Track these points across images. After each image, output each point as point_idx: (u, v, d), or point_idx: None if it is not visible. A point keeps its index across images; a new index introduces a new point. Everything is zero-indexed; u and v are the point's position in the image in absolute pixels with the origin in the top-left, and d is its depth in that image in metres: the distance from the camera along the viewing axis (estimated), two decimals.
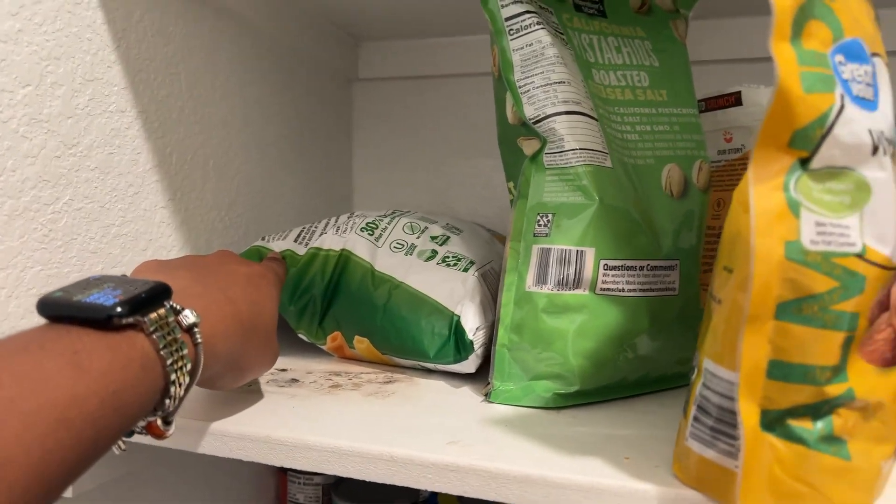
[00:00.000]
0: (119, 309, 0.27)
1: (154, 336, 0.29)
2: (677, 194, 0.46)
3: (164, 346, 0.29)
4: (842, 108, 0.26)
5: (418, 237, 0.52)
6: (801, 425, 0.26)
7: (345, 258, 0.52)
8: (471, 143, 0.77)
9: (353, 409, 0.40)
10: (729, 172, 0.60)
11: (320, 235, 0.54)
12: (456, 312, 0.47)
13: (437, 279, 0.49)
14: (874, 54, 0.29)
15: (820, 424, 0.26)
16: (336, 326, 0.51)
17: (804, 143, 0.26)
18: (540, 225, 0.42)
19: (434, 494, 0.60)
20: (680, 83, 0.49)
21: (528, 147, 0.44)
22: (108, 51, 0.45)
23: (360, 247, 0.52)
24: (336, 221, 0.55)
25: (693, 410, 0.29)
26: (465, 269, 0.49)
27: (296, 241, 0.54)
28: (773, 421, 0.27)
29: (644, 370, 0.44)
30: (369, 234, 0.52)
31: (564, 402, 0.42)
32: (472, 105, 0.77)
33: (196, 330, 0.31)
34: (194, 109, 0.53)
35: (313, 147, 0.73)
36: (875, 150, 0.26)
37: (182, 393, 0.31)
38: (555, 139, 0.42)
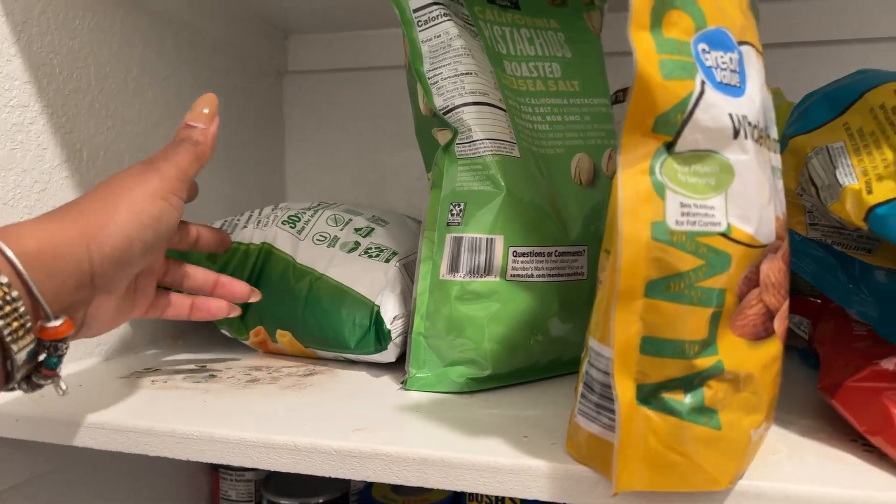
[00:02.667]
0: None
1: None
2: (586, 182, 0.47)
3: None
4: (702, 93, 0.26)
5: (342, 229, 0.53)
6: (674, 398, 0.28)
7: (266, 251, 0.51)
8: (404, 135, 0.77)
9: (267, 402, 0.40)
10: None
11: (242, 228, 0.53)
12: (376, 303, 0.47)
13: (358, 270, 0.49)
14: (742, 43, 0.30)
15: (691, 396, 0.28)
16: (258, 321, 0.51)
17: (667, 128, 0.26)
18: (453, 214, 0.43)
19: (369, 485, 0.60)
20: (592, 74, 0.51)
21: (442, 137, 0.44)
22: (6, 44, 0.43)
23: (282, 239, 0.52)
24: (259, 214, 0.55)
25: (581, 388, 0.31)
26: (387, 260, 0.50)
27: None
28: (648, 394, 0.28)
29: (556, 353, 0.45)
30: (291, 226, 0.52)
31: (478, 387, 0.43)
32: (404, 96, 0.77)
33: None
34: (106, 104, 0.52)
35: (243, 141, 0.73)
36: (736, 133, 0.27)
37: (17, 311, 0.29)
38: (464, 129, 0.43)
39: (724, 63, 0.28)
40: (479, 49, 0.45)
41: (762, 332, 0.30)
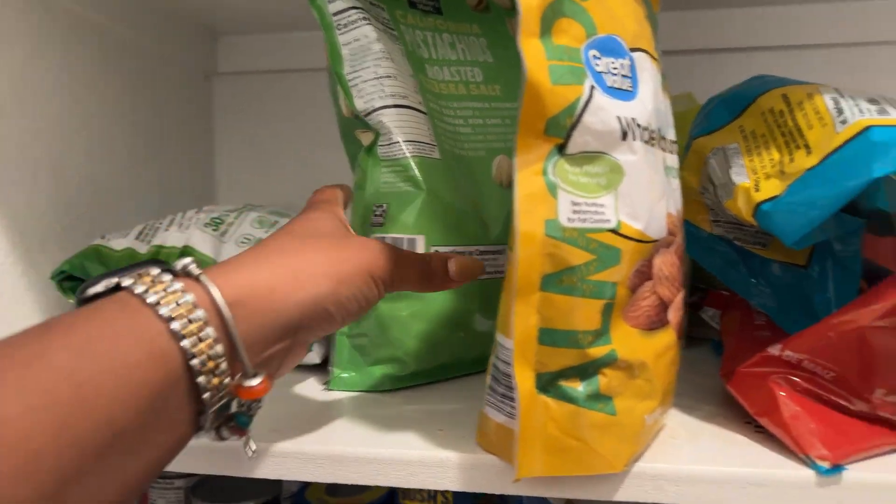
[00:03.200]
0: (91, 281, 0.24)
1: (136, 288, 0.24)
2: (507, 184, 0.49)
3: (147, 290, 0.24)
4: (590, 98, 0.28)
5: (267, 231, 0.52)
6: (571, 386, 0.29)
7: (187, 255, 0.51)
8: (335, 136, 0.76)
9: None
10: None
11: (163, 232, 0.53)
12: None
13: None
14: (636, 49, 0.31)
15: (587, 384, 0.29)
16: None
17: (557, 131, 0.28)
18: (376, 215, 0.44)
19: (303, 488, 0.60)
20: (514, 78, 0.52)
21: (365, 139, 0.45)
22: None
23: (203, 243, 0.51)
24: (182, 217, 0.54)
25: (489, 380, 0.32)
26: None
27: (137, 238, 0.52)
28: (547, 383, 0.29)
29: (480, 348, 0.46)
30: (213, 229, 0.52)
31: (402, 384, 0.43)
32: None
33: (192, 267, 0.26)
34: (19, 107, 0.50)
35: (172, 143, 0.71)
36: (625, 135, 0.29)
37: (219, 352, 0.25)
38: (385, 132, 0.44)
39: (615, 68, 0.30)
40: (400, 53, 0.46)
41: (656, 323, 0.32)
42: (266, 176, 0.79)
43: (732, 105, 0.42)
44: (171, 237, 0.52)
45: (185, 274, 0.26)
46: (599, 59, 0.29)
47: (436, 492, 0.59)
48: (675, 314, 0.33)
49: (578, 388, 0.29)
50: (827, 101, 0.35)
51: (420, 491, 0.57)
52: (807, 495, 0.30)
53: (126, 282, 0.25)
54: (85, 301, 0.25)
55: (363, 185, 0.45)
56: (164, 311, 0.23)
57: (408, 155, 0.43)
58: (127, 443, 0.22)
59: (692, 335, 0.59)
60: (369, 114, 0.44)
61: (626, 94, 0.30)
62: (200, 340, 0.24)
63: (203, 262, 0.50)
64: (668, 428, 0.36)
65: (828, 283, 0.39)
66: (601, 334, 0.29)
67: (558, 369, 0.29)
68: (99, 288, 0.25)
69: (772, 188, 0.35)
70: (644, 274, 0.31)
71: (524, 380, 0.29)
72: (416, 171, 0.43)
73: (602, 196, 0.28)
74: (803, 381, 0.34)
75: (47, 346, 0.21)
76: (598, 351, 0.29)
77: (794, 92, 0.38)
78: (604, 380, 0.29)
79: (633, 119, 0.29)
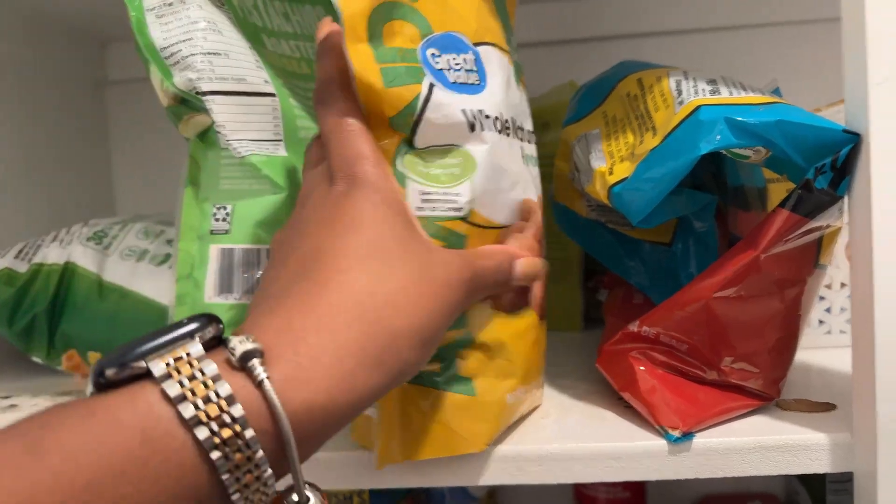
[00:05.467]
0: (106, 360, 0.18)
1: (166, 386, 0.18)
2: None
3: (184, 398, 0.18)
4: (429, 95, 0.28)
5: (152, 242, 0.51)
6: (431, 370, 0.30)
7: (70, 271, 0.49)
8: None
9: None
10: None
11: (45, 249, 0.51)
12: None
13: (166, 283, 0.48)
14: (481, 43, 0.32)
15: (446, 367, 0.30)
16: (69, 344, 0.49)
17: (402, 128, 0.28)
18: (217, 220, 0.36)
19: None
20: None
21: (195, 125, 0.37)
22: None
23: (86, 257, 0.49)
24: (67, 232, 0.52)
25: None
26: None
27: (17, 257, 0.50)
28: None
29: None
30: (96, 242, 0.50)
31: None
32: None
33: (254, 362, 0.19)
34: None
35: (63, 156, 0.69)
36: (472, 127, 0.29)
37: (265, 470, 0.19)
38: (218, 125, 0.36)
39: (457, 64, 0.30)
40: (229, 23, 0.38)
41: (517, 306, 0.32)
42: (166, 184, 0.76)
43: (598, 91, 0.43)
44: (52, 254, 0.50)
45: (240, 366, 0.19)
46: (439, 56, 0.29)
47: (352, 493, 0.59)
48: (535, 296, 0.34)
49: (437, 371, 0.30)
50: (671, 83, 0.37)
51: (335, 494, 0.57)
52: (660, 464, 0.31)
53: (154, 365, 0.18)
54: (102, 386, 0.19)
55: (197, 181, 0.37)
56: (201, 433, 0.17)
57: (245, 154, 0.36)
58: None
59: (592, 317, 0.61)
60: (198, 94, 0.36)
61: (473, 87, 0.30)
62: (244, 474, 0.18)
63: (84, 278, 0.49)
64: (541, 408, 0.37)
65: (690, 260, 0.41)
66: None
67: None
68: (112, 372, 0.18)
69: (623, 170, 0.36)
70: None
71: None
72: (269, 170, 0.36)
73: (456, 185, 0.29)
74: (661, 355, 0.35)
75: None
76: (453, 334, 0.30)
77: (647, 76, 0.40)
78: (462, 362, 0.30)
79: (480, 111, 0.30)
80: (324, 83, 0.28)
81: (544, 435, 0.33)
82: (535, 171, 0.36)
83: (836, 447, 0.30)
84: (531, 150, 0.36)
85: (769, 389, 0.35)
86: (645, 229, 0.43)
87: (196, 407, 0.17)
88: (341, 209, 0.25)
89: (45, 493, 0.16)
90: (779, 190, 0.45)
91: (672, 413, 0.32)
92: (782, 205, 0.31)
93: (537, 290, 0.34)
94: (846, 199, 0.30)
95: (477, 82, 0.31)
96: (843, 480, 0.57)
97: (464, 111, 0.29)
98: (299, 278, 0.23)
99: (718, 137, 0.31)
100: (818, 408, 0.34)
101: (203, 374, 0.18)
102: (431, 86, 0.29)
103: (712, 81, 0.36)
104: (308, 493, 0.20)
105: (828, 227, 0.32)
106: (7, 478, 0.16)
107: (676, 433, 0.31)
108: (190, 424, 0.17)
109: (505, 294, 0.32)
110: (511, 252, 0.30)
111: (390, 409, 0.29)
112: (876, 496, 0.28)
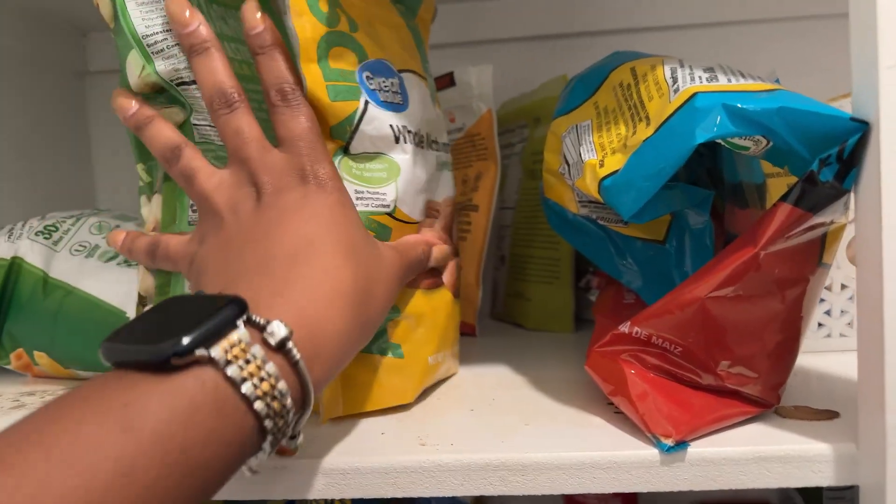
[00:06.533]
0: (174, 346, 0.21)
1: (229, 371, 0.22)
2: None
3: (244, 380, 0.22)
4: (365, 110, 0.34)
5: (104, 237, 0.49)
6: None
7: (17, 267, 0.47)
8: None
9: None
10: (457, 151, 0.62)
11: None
12: (129, 315, 0.44)
13: (112, 281, 0.45)
14: (404, 70, 0.38)
15: (379, 335, 0.36)
16: (16, 343, 0.47)
17: (341, 136, 0.34)
18: (195, 211, 0.36)
19: None
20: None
21: (170, 116, 0.36)
22: None
23: (33, 253, 0.47)
24: (23, 226, 0.50)
25: None
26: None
27: None
28: None
29: None
30: (46, 237, 0.48)
31: None
32: None
33: (290, 345, 0.24)
34: None
35: (43, 147, 0.66)
36: (398, 139, 0.36)
37: (292, 424, 0.25)
38: (200, 109, 0.36)
39: (386, 86, 0.36)
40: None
41: (431, 284, 0.39)
42: None
43: (589, 82, 0.41)
44: (0, 248, 0.47)
45: (279, 349, 0.24)
46: (372, 78, 0.35)
47: (334, 501, 0.57)
48: (448, 277, 0.40)
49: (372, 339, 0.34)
50: (666, 71, 0.35)
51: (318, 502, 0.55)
52: (651, 475, 0.29)
53: (215, 352, 0.22)
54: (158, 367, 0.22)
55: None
56: (245, 388, 0.23)
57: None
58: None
59: (584, 317, 0.59)
60: (181, 83, 0.35)
61: (398, 106, 0.37)
62: (279, 430, 0.24)
63: (31, 274, 0.46)
64: (522, 415, 0.35)
65: (685, 258, 0.39)
66: None
67: None
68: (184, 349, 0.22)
69: (615, 163, 0.34)
70: None
71: None
72: None
73: (384, 186, 0.36)
74: (653, 358, 0.33)
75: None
76: None
77: (640, 65, 0.38)
78: (392, 331, 0.36)
79: (404, 126, 0.37)
80: (291, 87, 0.32)
81: (528, 442, 0.31)
82: (447, 175, 0.42)
83: (840, 458, 0.28)
84: (445, 158, 0.42)
85: (768, 396, 0.33)
86: (637, 226, 0.40)
87: (255, 386, 0.23)
88: (321, 206, 0.30)
89: (142, 469, 0.20)
90: (778, 185, 0.43)
91: (664, 420, 0.30)
92: (784, 198, 0.29)
93: (451, 273, 0.40)
94: (852, 193, 0.28)
95: (401, 103, 0.37)
96: (841, 489, 0.56)
97: (391, 126, 0.36)
98: (295, 263, 0.28)
99: (716, 126, 0.29)
100: (820, 416, 0.32)
101: (255, 357, 0.23)
102: (367, 103, 0.35)
103: (709, 69, 0.34)
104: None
105: (832, 223, 0.30)
106: (111, 452, 0.19)
107: (669, 442, 0.29)
108: (250, 399, 0.23)
109: (422, 275, 0.38)
110: (427, 240, 0.38)
111: None
112: None
